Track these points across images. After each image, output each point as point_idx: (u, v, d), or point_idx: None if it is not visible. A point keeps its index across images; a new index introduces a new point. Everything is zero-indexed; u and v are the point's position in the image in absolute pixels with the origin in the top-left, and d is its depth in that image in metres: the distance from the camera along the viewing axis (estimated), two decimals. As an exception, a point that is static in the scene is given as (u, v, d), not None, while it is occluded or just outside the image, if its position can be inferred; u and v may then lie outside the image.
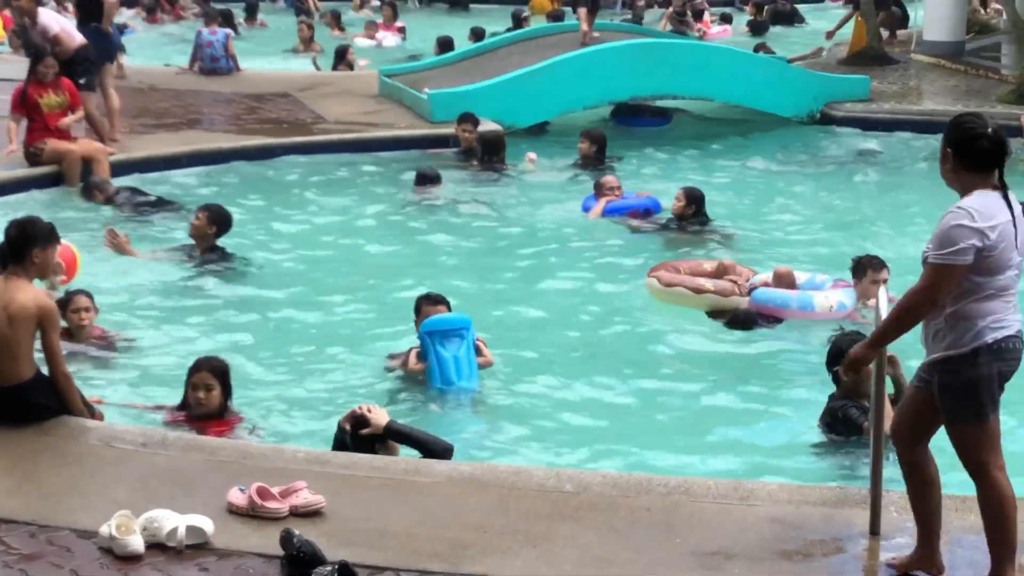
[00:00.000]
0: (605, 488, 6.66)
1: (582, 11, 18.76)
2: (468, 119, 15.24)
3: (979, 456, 5.56)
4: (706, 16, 27.01)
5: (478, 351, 9.11)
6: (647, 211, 13.10)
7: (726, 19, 27.23)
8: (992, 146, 5.47)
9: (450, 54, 19.49)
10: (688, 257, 11.55)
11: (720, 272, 10.67)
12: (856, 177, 15.19)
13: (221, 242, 11.51)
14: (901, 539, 6.08)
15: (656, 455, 8.00)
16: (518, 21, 24.25)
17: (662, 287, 10.51)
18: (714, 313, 10.31)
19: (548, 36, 19.06)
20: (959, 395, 5.51)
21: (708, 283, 10.42)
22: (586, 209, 13.28)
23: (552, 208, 13.68)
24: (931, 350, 5.61)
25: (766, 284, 10.46)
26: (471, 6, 30.21)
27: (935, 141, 17.19)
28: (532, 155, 15.29)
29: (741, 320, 10.14)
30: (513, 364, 9.44)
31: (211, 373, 7.94)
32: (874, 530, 6.15)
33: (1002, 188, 5.51)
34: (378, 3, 28.29)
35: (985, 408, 5.52)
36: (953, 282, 5.41)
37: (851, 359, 5.78)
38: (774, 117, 17.39)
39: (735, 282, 10.47)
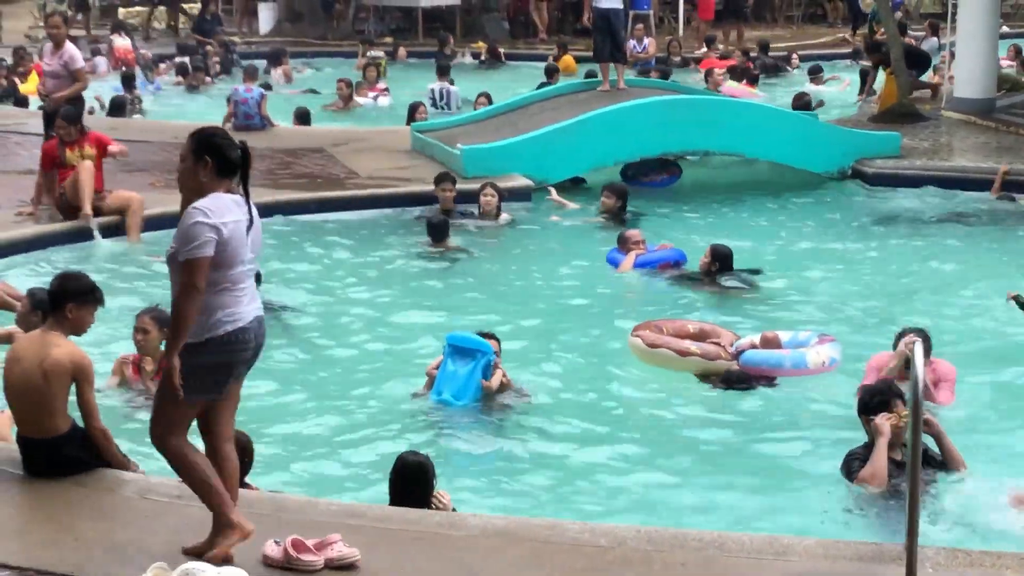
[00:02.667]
0: (640, 543, 6.65)
1: (605, 65, 18.93)
2: (447, 178, 15.34)
3: (168, 431, 6.20)
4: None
5: (488, 375, 9.39)
6: (676, 263, 13.11)
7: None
8: (243, 156, 6.25)
9: (482, 110, 19.63)
10: (715, 308, 11.62)
11: (702, 336, 10.54)
12: (886, 234, 15.12)
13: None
14: (937, 595, 6.07)
15: (687, 510, 8.02)
16: (551, 75, 24.30)
17: (646, 347, 10.30)
18: (701, 376, 10.20)
19: (579, 92, 19.17)
20: (188, 376, 6.06)
21: (694, 346, 10.29)
22: (613, 263, 13.26)
23: (580, 262, 13.71)
24: None
25: (753, 346, 10.35)
26: (507, 62, 30.27)
27: (966, 198, 17.08)
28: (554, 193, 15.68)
29: (735, 380, 10.06)
30: (545, 416, 9.48)
31: None
32: (910, 586, 6.14)
33: (245, 194, 6.24)
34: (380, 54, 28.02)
35: (207, 390, 6.19)
36: (206, 271, 6.03)
37: (163, 371, 6.11)
38: (805, 173, 17.40)
39: (720, 344, 10.36)
